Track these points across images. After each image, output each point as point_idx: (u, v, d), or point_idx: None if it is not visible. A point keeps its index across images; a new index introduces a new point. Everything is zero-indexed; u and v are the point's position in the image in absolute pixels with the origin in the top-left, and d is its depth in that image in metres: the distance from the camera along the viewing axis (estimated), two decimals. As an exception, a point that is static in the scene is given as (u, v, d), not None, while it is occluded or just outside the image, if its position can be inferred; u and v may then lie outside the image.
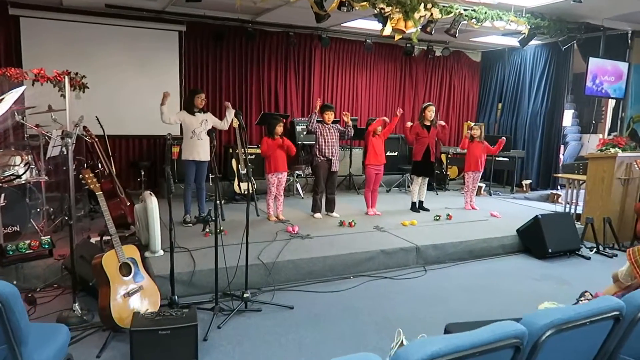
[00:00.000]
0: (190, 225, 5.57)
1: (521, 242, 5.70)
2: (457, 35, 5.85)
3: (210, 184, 6.75)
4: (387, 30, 5.12)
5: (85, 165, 5.49)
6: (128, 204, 5.03)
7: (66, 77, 4.34)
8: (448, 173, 9.27)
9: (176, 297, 3.68)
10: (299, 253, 4.67)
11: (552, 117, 8.72)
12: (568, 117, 9.00)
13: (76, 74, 4.81)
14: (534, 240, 5.51)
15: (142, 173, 7.13)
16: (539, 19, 6.11)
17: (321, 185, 6.18)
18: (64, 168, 4.91)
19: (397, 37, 5.35)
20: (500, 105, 9.86)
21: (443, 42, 9.20)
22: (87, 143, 5.62)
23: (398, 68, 9.50)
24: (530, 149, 9.00)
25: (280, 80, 8.42)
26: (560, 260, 5.46)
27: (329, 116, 6.09)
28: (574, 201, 7.04)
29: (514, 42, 8.75)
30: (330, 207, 6.35)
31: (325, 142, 6.07)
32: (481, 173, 7.10)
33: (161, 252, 4.43)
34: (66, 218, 4.76)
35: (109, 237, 3.44)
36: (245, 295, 3.78)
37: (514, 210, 7.18)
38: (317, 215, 6.21)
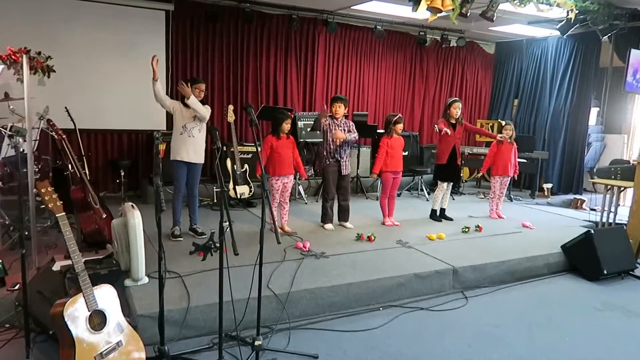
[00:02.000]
0: (180, 239, 4.66)
1: (567, 261, 4.93)
2: (494, 19, 5.01)
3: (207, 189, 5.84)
4: (422, 10, 4.26)
5: (51, 168, 4.51)
6: (104, 216, 4.08)
7: (23, 56, 3.38)
8: (462, 175, 8.47)
9: (166, 347, 2.78)
10: (315, 278, 3.80)
11: (576, 115, 7.97)
12: (592, 116, 8.27)
13: (38, 53, 3.83)
14: (585, 259, 4.73)
15: (122, 174, 6.17)
16: (588, 2, 5.30)
17: (332, 190, 5.30)
18: (24, 170, 3.94)
19: (432, 18, 4.50)
20: (516, 101, 9.10)
21: (458, 32, 8.38)
22: (55, 140, 4.65)
23: (408, 59, 8.65)
24: (551, 150, 8.25)
25: (280, 69, 7.50)
26: (614, 282, 4.70)
27: (340, 109, 5.21)
28: (610, 210, 6.28)
29: (537, 32, 8.01)
30: (344, 216, 5.49)
31: (333, 142, 5.20)
32: (510, 178, 6.33)
33: (145, 280, 3.52)
34: (26, 233, 3.82)
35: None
36: (257, 343, 2.90)
37: (543, 219, 6.40)
38: (329, 226, 5.34)
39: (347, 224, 5.47)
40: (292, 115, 5.04)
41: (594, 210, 7.60)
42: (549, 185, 8.08)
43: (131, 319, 2.93)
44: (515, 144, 6.25)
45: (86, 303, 2.30)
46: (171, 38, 6.69)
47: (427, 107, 8.91)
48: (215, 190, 6.56)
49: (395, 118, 5.47)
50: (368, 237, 4.91)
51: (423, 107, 8.88)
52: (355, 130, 5.40)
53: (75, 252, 2.30)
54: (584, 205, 7.71)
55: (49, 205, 2.29)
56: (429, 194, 7.47)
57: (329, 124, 5.20)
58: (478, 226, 5.53)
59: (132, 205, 3.52)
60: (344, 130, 5.25)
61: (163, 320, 2.75)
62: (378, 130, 7.33)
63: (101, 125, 6.40)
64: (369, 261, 4.28)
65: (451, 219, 5.99)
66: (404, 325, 3.57)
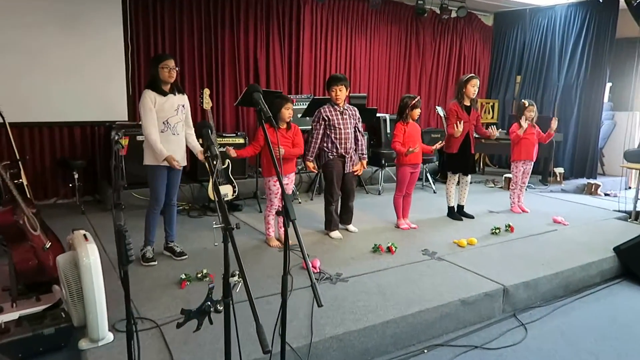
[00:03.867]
0: (154, 263, 3.63)
1: (621, 264, 4.17)
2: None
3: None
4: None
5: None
6: (47, 245, 3.00)
7: None
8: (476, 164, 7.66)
9: None
10: (338, 315, 2.88)
11: (590, 91, 7.25)
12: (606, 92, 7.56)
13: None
14: (646, 264, 3.98)
15: (76, 176, 5.03)
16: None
17: (336, 191, 4.36)
18: None
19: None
20: (519, 78, 8.31)
21: (459, 0, 7.46)
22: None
23: (403, 33, 7.70)
24: (561, 131, 7.51)
25: (261, 46, 6.42)
26: (681, 290, 3.97)
27: (341, 93, 4.23)
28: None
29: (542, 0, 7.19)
30: (347, 218, 4.58)
31: (337, 132, 4.25)
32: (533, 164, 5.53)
33: (109, 337, 2.51)
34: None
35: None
36: None
37: (568, 211, 5.64)
38: (335, 234, 4.40)
39: (351, 227, 4.58)
40: (294, 100, 4.03)
41: (608, 195, 6.96)
42: (561, 170, 7.36)
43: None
44: (537, 126, 5.46)
45: None
46: (130, 9, 5.51)
47: (423, 86, 8.02)
48: (191, 193, 5.50)
49: (414, 101, 4.53)
50: (388, 247, 4.01)
51: (420, 86, 7.98)
52: (361, 120, 4.48)
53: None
54: (598, 191, 7.03)
55: None
56: (434, 182, 6.61)
57: (330, 113, 4.23)
58: (509, 226, 4.70)
59: (84, 235, 2.49)
60: (349, 119, 4.30)
61: None
62: (378, 115, 6.40)
63: (45, 117, 5.21)
64: (399, 284, 3.37)
65: (472, 217, 5.16)
66: (461, 376, 2.71)
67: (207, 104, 5.11)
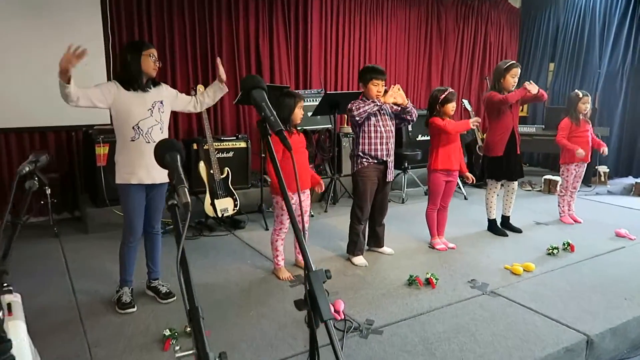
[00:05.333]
0: (132, 309, 2.84)
1: None
2: None
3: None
4: None
5: None
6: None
7: None
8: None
9: None
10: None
11: (638, 78, 6.38)
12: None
13: None
14: None
15: (48, 192, 4.24)
16: None
17: (367, 207, 3.55)
18: None
19: None
20: (552, 65, 7.44)
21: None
22: None
23: (423, 17, 6.85)
24: (604, 123, 6.65)
25: (263, 34, 5.60)
26: None
27: (378, 87, 3.42)
28: None
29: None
30: (379, 239, 3.78)
31: (377, 133, 3.44)
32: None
33: None
34: None
35: None
36: None
37: (628, 220, 4.79)
38: (359, 260, 3.59)
39: (387, 249, 3.79)
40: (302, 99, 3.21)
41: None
42: (605, 169, 6.51)
43: None
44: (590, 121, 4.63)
45: None
46: (109, -7, 4.71)
47: (446, 77, 7.17)
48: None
49: (446, 94, 3.72)
50: (427, 279, 3.20)
51: (442, 77, 7.14)
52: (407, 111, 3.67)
53: None
54: (649, 191, 6.18)
55: None
56: (463, 185, 5.78)
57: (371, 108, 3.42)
58: (568, 244, 3.88)
59: (8, 306, 1.69)
60: (388, 116, 3.51)
61: None
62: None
63: (12, 122, 4.43)
64: (450, 336, 2.57)
65: (520, 231, 4.34)
66: None
67: (199, 89, 4.33)
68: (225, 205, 4.44)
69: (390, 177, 3.57)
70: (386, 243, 3.83)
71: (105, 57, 4.74)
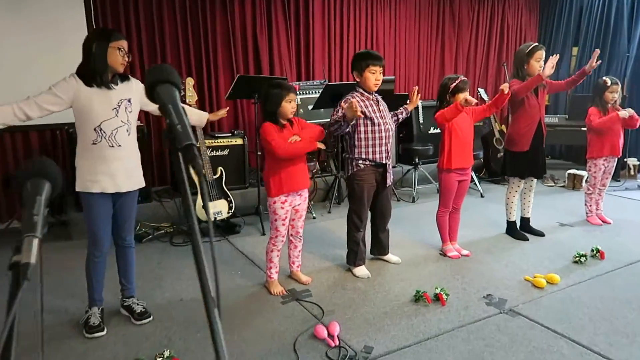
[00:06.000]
0: (101, 333, 2.52)
1: None
2: None
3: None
4: None
5: None
6: None
7: None
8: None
9: None
10: None
11: (672, 62, 5.84)
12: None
13: None
14: None
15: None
16: None
17: (365, 212, 3.18)
18: None
19: None
20: (575, 50, 6.92)
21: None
22: None
23: (435, 1, 6.38)
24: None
25: (261, 23, 5.22)
26: None
27: (376, 75, 3.04)
28: None
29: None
30: (383, 246, 3.41)
31: (374, 133, 3.05)
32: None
33: None
34: None
35: None
36: None
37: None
38: (361, 271, 3.22)
39: (392, 257, 3.42)
40: (297, 87, 2.83)
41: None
42: (635, 162, 6.01)
43: None
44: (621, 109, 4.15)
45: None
46: (93, -19, 4.38)
47: (460, 64, 6.71)
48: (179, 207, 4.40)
49: (457, 82, 3.33)
50: (436, 295, 2.82)
51: (455, 64, 6.68)
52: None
53: None
54: (683, 185, 5.68)
55: None
56: (479, 181, 5.35)
57: (362, 104, 3.03)
58: (597, 250, 3.45)
59: None
60: (385, 111, 3.14)
61: None
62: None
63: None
64: (463, 369, 2.19)
65: (542, 234, 3.91)
66: None
67: (191, 97, 4.00)
68: (219, 208, 4.11)
69: (389, 180, 3.18)
70: (392, 249, 3.45)
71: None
